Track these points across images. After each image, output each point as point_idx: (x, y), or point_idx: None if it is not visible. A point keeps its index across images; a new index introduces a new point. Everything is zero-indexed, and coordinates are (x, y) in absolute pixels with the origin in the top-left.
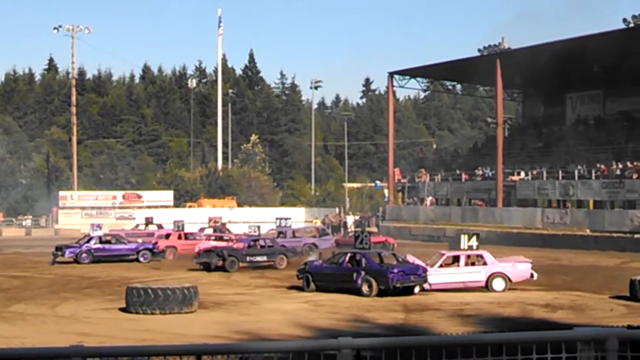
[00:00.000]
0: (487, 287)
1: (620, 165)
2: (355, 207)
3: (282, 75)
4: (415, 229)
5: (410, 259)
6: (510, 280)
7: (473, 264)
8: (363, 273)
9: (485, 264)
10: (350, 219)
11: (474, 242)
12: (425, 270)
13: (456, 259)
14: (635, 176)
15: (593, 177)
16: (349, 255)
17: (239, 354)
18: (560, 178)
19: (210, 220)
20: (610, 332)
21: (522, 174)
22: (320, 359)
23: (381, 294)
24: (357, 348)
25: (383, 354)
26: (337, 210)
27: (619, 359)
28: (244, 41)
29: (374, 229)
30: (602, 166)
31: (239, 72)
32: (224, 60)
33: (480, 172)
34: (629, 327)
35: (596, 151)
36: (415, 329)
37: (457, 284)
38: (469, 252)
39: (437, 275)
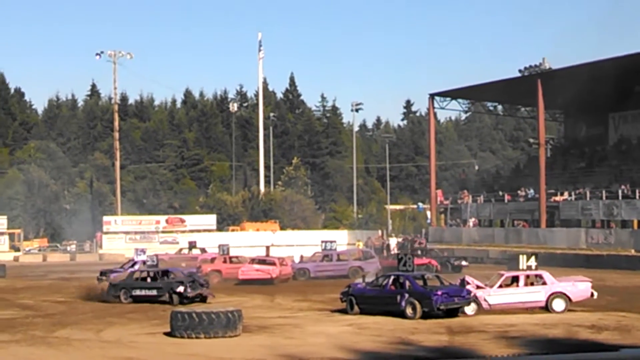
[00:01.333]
0: (546, 307)
1: None
2: (398, 229)
3: (323, 98)
4: (459, 251)
5: (469, 279)
6: (570, 300)
7: (532, 284)
8: (407, 295)
9: (544, 283)
10: (393, 241)
11: (532, 262)
12: (469, 292)
13: (515, 279)
14: None
15: (637, 197)
16: (392, 277)
17: None
18: (603, 198)
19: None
20: None
21: (565, 194)
22: None
23: (425, 316)
24: None
25: None
26: (379, 232)
27: None
28: (285, 64)
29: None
30: None
31: (279, 95)
32: (265, 83)
33: (523, 193)
34: None
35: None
36: (460, 352)
37: (516, 304)
38: (528, 272)
39: (496, 296)
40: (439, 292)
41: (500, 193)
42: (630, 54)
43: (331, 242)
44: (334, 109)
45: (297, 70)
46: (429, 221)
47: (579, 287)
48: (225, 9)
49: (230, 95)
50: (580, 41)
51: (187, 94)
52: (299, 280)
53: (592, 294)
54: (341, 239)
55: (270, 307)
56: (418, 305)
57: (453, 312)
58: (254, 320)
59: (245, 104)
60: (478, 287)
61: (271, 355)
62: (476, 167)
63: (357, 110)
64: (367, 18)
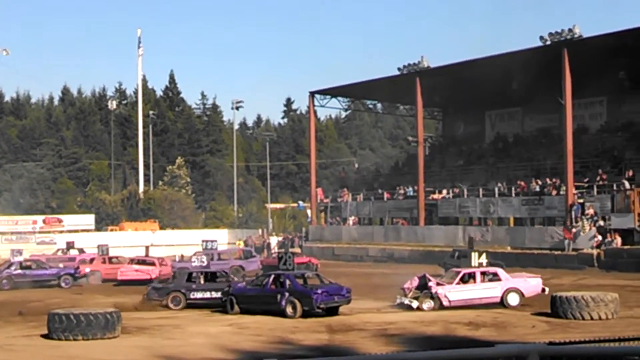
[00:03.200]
0: (502, 302)
1: (539, 182)
2: (278, 228)
3: (203, 96)
4: (339, 249)
5: (429, 277)
6: (523, 295)
7: (488, 280)
8: (287, 294)
9: (499, 280)
10: (273, 240)
11: (483, 259)
12: (349, 291)
13: (471, 276)
14: (554, 193)
15: (513, 195)
16: (272, 276)
17: None
18: (480, 196)
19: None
20: (531, 349)
21: (444, 192)
22: None
23: (305, 315)
24: None
25: None
26: (260, 231)
27: None
28: (165, 62)
29: (298, 250)
30: (522, 183)
31: (159, 93)
32: (144, 81)
33: (402, 191)
34: (550, 343)
35: (516, 168)
36: (339, 350)
37: (474, 300)
38: (484, 269)
39: (456, 292)
40: (319, 291)
41: (380, 191)
42: (507, 52)
43: (212, 241)
44: (215, 106)
45: (177, 67)
46: (309, 220)
47: (531, 282)
48: (103, 5)
49: (109, 93)
50: (459, 40)
51: (65, 91)
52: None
53: (543, 289)
54: (222, 238)
55: (150, 308)
56: (298, 304)
57: (333, 311)
58: (133, 321)
59: (124, 102)
60: (438, 284)
61: (150, 356)
62: (356, 165)
63: (237, 108)
64: (247, 15)
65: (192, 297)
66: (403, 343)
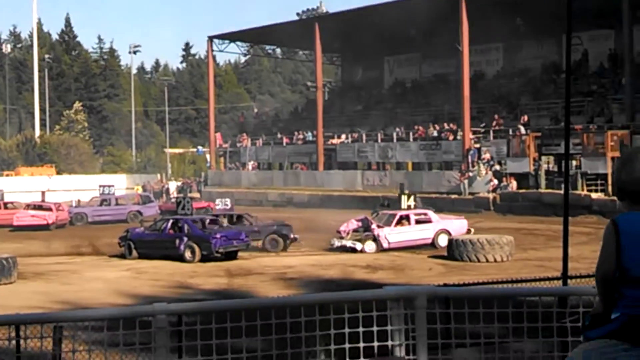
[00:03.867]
0: (432, 243)
1: (437, 127)
2: (177, 173)
3: (100, 40)
4: (238, 194)
5: (370, 219)
6: (450, 235)
7: (418, 222)
8: (186, 239)
9: (430, 221)
10: (172, 185)
11: (412, 201)
12: (247, 235)
13: (406, 218)
14: (451, 137)
15: (411, 139)
16: (171, 221)
17: (54, 322)
18: (379, 140)
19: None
20: (419, 290)
21: (342, 137)
22: (136, 326)
23: (204, 259)
24: (172, 313)
25: (198, 319)
26: (158, 176)
27: (428, 316)
28: (60, 5)
29: (197, 195)
30: (420, 128)
31: (55, 37)
32: (40, 24)
33: (301, 136)
34: (445, 285)
35: (414, 114)
36: (238, 294)
37: (410, 241)
38: (417, 211)
39: (394, 234)
40: (218, 236)
41: (279, 136)
42: None
43: (109, 186)
44: (112, 51)
45: (73, 11)
46: (208, 164)
47: (458, 224)
48: None
49: (3, 37)
50: None
51: None
52: (76, 225)
53: (468, 230)
54: (120, 183)
55: (48, 253)
56: (197, 249)
57: (232, 255)
58: (29, 267)
59: (19, 46)
60: (379, 226)
61: (48, 301)
62: (255, 110)
63: (135, 53)
64: None
65: None
66: (301, 286)
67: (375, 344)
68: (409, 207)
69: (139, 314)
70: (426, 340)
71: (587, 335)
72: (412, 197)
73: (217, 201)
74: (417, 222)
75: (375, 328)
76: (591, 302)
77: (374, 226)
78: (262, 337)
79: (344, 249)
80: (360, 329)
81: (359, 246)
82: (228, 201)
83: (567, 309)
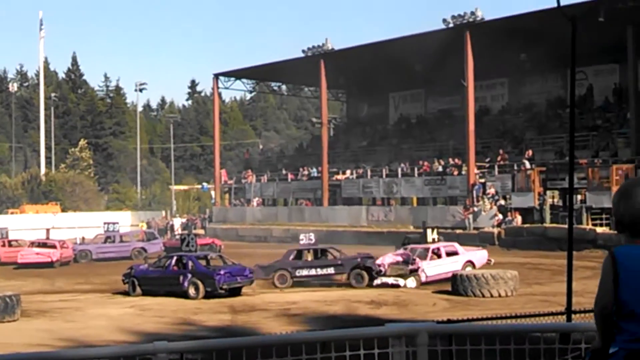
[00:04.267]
0: None
1: (442, 163)
2: (182, 209)
3: (106, 78)
4: (242, 230)
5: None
6: (475, 266)
7: (447, 254)
8: (190, 276)
9: (457, 253)
10: (177, 222)
11: (435, 235)
12: (251, 271)
13: (436, 252)
14: (455, 173)
15: (416, 175)
16: (175, 258)
17: None
18: (384, 176)
19: None
20: (420, 327)
21: (347, 172)
22: None
23: (208, 296)
24: (172, 351)
25: (199, 357)
26: (163, 213)
27: (430, 353)
28: (67, 44)
29: (201, 231)
30: (425, 163)
31: (61, 75)
32: (46, 63)
33: (306, 172)
34: (448, 321)
35: (419, 149)
36: (241, 330)
37: (444, 274)
38: (445, 244)
39: (431, 268)
40: (222, 272)
41: (284, 172)
42: (410, 35)
43: (113, 223)
44: (118, 88)
45: (79, 49)
46: (213, 201)
47: (480, 254)
48: None
49: (10, 75)
50: (363, 23)
51: None
52: (80, 262)
53: (489, 261)
54: (125, 220)
55: (51, 291)
56: (201, 285)
57: (236, 291)
58: (33, 304)
59: (25, 84)
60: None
61: (51, 339)
62: (260, 147)
63: (141, 90)
64: None
65: (297, 274)
66: (305, 322)
67: None
68: (433, 241)
69: (140, 352)
70: None
71: None
72: (435, 231)
73: (302, 236)
74: (447, 254)
75: None
76: (594, 338)
77: (416, 259)
78: None
79: (385, 286)
80: None
81: (401, 282)
82: (312, 235)
83: (570, 344)
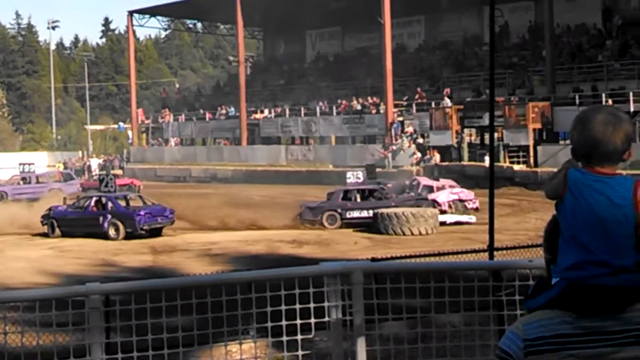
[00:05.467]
0: None
1: (360, 101)
2: (99, 149)
3: (18, 15)
4: (161, 170)
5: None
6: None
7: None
8: (109, 216)
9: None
10: (94, 162)
11: None
12: (172, 212)
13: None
14: (374, 111)
15: (334, 113)
16: (94, 199)
17: None
18: (302, 115)
19: None
20: (355, 266)
21: (266, 111)
22: (69, 306)
23: (129, 237)
24: (105, 293)
25: (133, 298)
26: (80, 153)
27: (364, 291)
28: None
29: (119, 172)
30: (343, 102)
31: None
32: None
33: (224, 111)
34: (373, 259)
35: (337, 88)
36: (164, 272)
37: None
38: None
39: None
40: (142, 212)
41: (202, 111)
42: None
43: (29, 164)
44: (30, 26)
45: None
46: (130, 141)
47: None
48: None
49: None
50: None
51: None
52: None
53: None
54: (41, 161)
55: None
56: (121, 226)
57: (156, 232)
58: None
59: None
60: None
61: None
62: (177, 86)
63: (53, 28)
64: None
65: (348, 216)
66: (228, 262)
67: (313, 320)
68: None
69: (72, 294)
70: (363, 316)
71: (527, 306)
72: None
73: (349, 174)
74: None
75: (312, 305)
76: (527, 276)
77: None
78: (197, 315)
79: (458, 224)
80: (297, 306)
81: (473, 219)
82: (360, 174)
83: (504, 282)
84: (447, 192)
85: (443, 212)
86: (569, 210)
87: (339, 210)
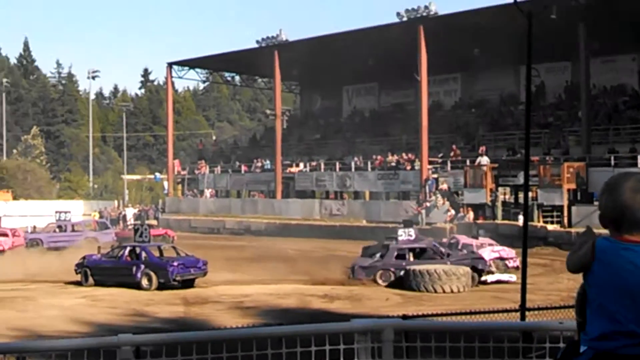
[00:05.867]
0: None
1: (395, 157)
2: (134, 199)
3: (59, 65)
4: (195, 221)
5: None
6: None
7: None
8: (142, 266)
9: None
10: (129, 212)
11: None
12: (205, 263)
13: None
14: (408, 167)
15: (369, 169)
16: (128, 248)
17: (17, 353)
18: (337, 169)
19: None
20: (386, 324)
21: (301, 165)
22: (100, 356)
23: (161, 287)
24: (137, 344)
25: (164, 350)
26: (115, 203)
27: (394, 349)
28: (18, 29)
29: (154, 222)
30: (378, 157)
31: (13, 61)
32: None
33: (259, 164)
34: (404, 316)
35: (372, 143)
36: (195, 323)
37: None
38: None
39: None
40: (175, 263)
41: (237, 164)
42: (364, 28)
43: (65, 212)
44: (70, 75)
45: (31, 35)
46: (166, 191)
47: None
48: None
49: None
50: (318, 14)
51: None
52: (31, 251)
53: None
54: (77, 209)
55: (2, 280)
56: (154, 277)
57: (189, 283)
58: None
59: None
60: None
61: (4, 329)
62: (214, 138)
63: (93, 78)
64: None
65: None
66: (259, 316)
67: None
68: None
69: (104, 345)
70: None
71: None
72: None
73: (400, 231)
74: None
75: None
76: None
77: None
78: None
79: (499, 283)
80: None
81: (513, 277)
82: (412, 231)
83: (534, 343)
84: (489, 250)
85: (490, 272)
86: (597, 280)
87: (393, 270)
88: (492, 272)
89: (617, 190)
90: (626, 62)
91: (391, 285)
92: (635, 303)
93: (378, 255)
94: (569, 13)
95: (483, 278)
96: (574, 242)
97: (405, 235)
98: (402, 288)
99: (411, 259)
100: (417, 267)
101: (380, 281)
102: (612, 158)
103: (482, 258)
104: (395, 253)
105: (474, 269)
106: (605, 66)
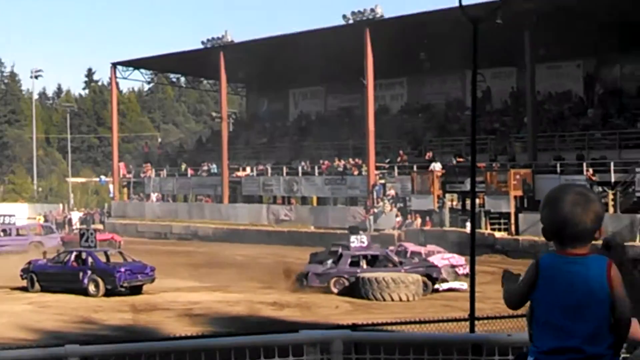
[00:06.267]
0: None
1: (342, 162)
2: (80, 203)
3: (1, 63)
4: (142, 226)
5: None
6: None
7: None
8: (89, 272)
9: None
10: (75, 215)
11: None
12: (153, 269)
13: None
14: (356, 172)
15: (316, 174)
16: (74, 253)
17: None
18: (284, 174)
19: None
20: (335, 335)
21: (248, 169)
22: None
23: (109, 293)
24: (84, 355)
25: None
26: (60, 206)
27: None
28: None
29: (100, 226)
30: (325, 162)
31: None
32: None
33: (206, 168)
34: (353, 326)
35: (319, 147)
36: (144, 331)
37: None
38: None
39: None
40: (122, 269)
41: (184, 167)
42: (310, 30)
43: (10, 215)
44: (12, 75)
45: None
46: (111, 195)
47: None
48: None
49: None
50: (264, 16)
51: None
52: None
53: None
54: (21, 212)
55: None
56: (101, 283)
57: (137, 290)
58: None
59: None
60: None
61: None
62: (159, 140)
63: (36, 77)
64: None
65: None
66: (208, 323)
67: None
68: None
69: (51, 355)
70: None
71: None
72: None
73: (352, 238)
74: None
75: None
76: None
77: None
78: None
79: (451, 291)
80: None
81: (465, 285)
82: (364, 238)
83: (484, 355)
84: (439, 258)
85: (444, 280)
86: (543, 297)
87: (347, 277)
88: (446, 280)
89: (557, 204)
90: (571, 69)
91: (341, 292)
92: (582, 317)
93: (330, 262)
94: (515, 18)
95: (436, 286)
96: (521, 249)
97: (358, 242)
98: (352, 296)
99: (364, 266)
100: (367, 275)
101: (334, 288)
102: (558, 165)
103: (436, 266)
104: (349, 260)
105: (428, 277)
106: (551, 72)
